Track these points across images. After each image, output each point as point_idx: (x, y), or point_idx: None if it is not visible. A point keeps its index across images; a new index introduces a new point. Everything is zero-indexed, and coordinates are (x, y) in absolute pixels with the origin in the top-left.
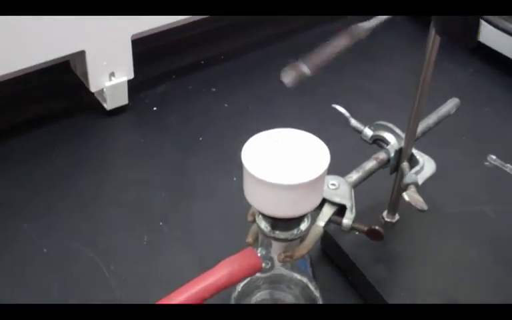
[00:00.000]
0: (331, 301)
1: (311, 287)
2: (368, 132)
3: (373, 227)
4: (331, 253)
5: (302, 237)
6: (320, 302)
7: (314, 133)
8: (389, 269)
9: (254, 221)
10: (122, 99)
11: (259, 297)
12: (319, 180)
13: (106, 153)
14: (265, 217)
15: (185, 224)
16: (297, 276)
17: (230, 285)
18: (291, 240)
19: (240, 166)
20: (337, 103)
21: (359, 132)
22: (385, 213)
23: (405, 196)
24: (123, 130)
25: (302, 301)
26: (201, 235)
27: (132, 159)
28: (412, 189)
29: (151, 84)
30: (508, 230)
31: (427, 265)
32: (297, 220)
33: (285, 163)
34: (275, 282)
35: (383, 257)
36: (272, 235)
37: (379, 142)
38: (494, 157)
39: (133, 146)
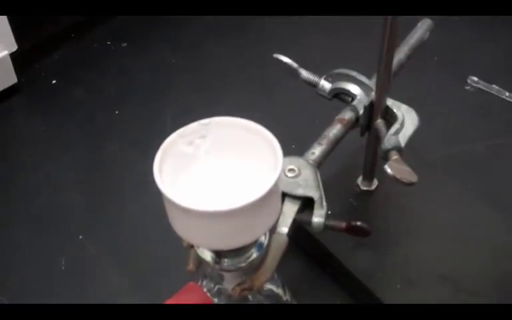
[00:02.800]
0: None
1: (279, 292)
2: (325, 84)
3: (353, 222)
4: (298, 239)
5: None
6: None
7: (259, 91)
8: (376, 254)
9: (192, 246)
10: (8, 78)
11: None
12: (273, 191)
13: None
14: None
15: (111, 233)
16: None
17: None
18: (247, 267)
19: None
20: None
21: (314, 86)
22: (359, 180)
23: (388, 169)
24: (17, 118)
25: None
26: (134, 245)
27: (33, 154)
28: (394, 156)
29: (43, 50)
30: (508, 169)
31: (421, 241)
32: None
33: (221, 171)
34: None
35: (366, 239)
36: (219, 266)
37: (341, 96)
38: (475, 78)
39: (32, 136)
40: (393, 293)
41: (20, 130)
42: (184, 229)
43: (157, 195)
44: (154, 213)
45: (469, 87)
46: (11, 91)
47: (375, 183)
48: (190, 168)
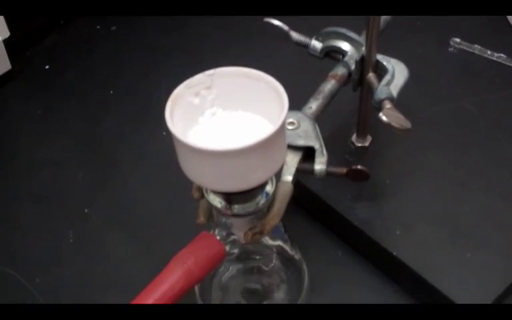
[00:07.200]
0: (312, 257)
1: (286, 247)
2: (316, 44)
3: (353, 167)
4: (299, 197)
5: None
6: (299, 262)
7: (252, 61)
8: (374, 204)
9: (202, 196)
10: (3, 64)
11: (228, 275)
12: (280, 132)
13: None
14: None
15: (115, 204)
16: (269, 242)
17: (192, 286)
18: (256, 212)
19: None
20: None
21: (305, 46)
22: (354, 137)
23: (382, 117)
24: (13, 103)
25: (278, 265)
26: (139, 214)
27: (32, 136)
28: (388, 105)
29: (35, 37)
30: (495, 122)
31: (415, 188)
32: (259, 185)
33: (227, 119)
34: (244, 256)
35: (363, 192)
36: (229, 211)
37: (332, 54)
38: (458, 39)
39: (30, 121)
40: (393, 239)
41: (17, 114)
42: (197, 172)
43: (154, 165)
44: (153, 182)
45: (452, 48)
46: (5, 77)
47: (369, 139)
48: (198, 120)
